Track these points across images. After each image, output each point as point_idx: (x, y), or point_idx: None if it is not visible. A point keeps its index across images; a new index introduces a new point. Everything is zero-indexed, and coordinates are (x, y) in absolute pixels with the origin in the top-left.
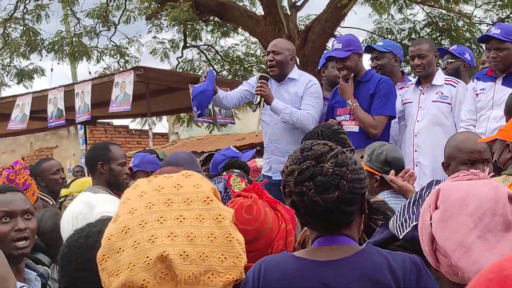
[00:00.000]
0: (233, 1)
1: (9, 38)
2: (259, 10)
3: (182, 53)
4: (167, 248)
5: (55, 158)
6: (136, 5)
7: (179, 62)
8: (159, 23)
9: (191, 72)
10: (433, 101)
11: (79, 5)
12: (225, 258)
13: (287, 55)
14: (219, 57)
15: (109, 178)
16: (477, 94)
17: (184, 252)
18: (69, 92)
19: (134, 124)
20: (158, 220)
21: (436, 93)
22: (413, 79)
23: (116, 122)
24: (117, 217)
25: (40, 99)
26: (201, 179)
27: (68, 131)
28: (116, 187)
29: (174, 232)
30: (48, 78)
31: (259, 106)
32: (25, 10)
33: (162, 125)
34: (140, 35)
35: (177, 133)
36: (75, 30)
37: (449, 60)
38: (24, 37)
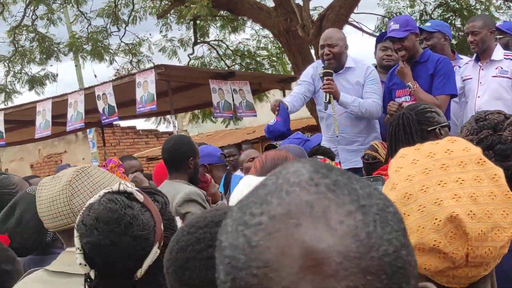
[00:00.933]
0: None
1: (19, 46)
2: (269, 3)
3: (193, 49)
4: (455, 209)
5: (65, 163)
6: (142, 5)
7: (190, 59)
8: (168, 21)
9: (210, 67)
10: (493, 76)
11: (87, 5)
12: (507, 214)
13: (342, 45)
14: (230, 52)
15: (192, 173)
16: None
17: (470, 211)
18: (89, 95)
19: (148, 123)
20: (438, 184)
21: (496, 68)
22: (465, 57)
23: (123, 123)
24: (394, 185)
25: (59, 104)
26: (467, 143)
27: (76, 135)
28: (194, 181)
29: (458, 194)
30: (54, 85)
31: (330, 103)
32: (34, 17)
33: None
34: (150, 34)
35: (186, 130)
36: (87, 31)
37: (497, 36)
38: (35, 44)
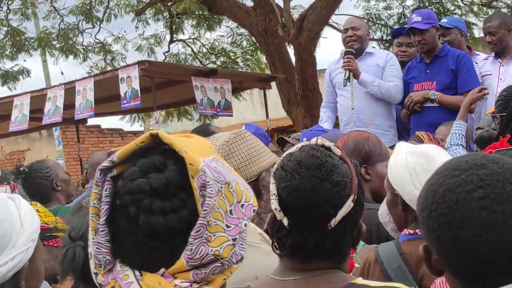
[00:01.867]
0: None
1: None
2: (247, 3)
3: (169, 47)
4: None
5: (27, 161)
6: (117, 2)
7: (165, 57)
8: (144, 18)
9: (193, 64)
10: None
11: (61, 1)
12: None
13: (364, 30)
14: (204, 50)
15: None
16: None
17: None
18: (70, 90)
19: (113, 122)
20: None
21: None
22: (482, 54)
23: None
24: None
25: (38, 99)
26: None
27: (40, 133)
28: None
29: None
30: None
31: (349, 81)
32: (8, 11)
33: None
34: (125, 32)
35: (153, 130)
36: (59, 27)
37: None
38: (8, 38)
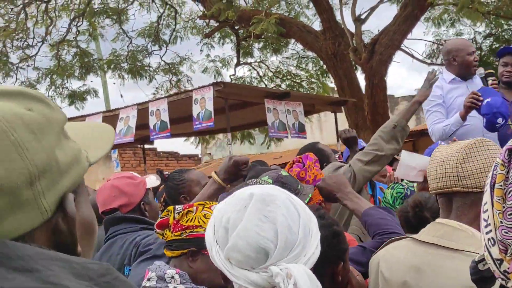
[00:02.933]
0: (291, 17)
1: (62, 61)
2: (316, 26)
3: (235, 70)
4: None
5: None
6: (183, 25)
7: (231, 80)
8: (210, 41)
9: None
10: None
11: (129, 24)
12: None
13: None
14: (270, 73)
15: None
16: None
17: None
18: (143, 111)
19: (170, 145)
20: None
21: None
22: None
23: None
24: None
25: (110, 119)
26: None
27: None
28: None
29: None
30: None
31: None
32: (77, 32)
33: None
34: (191, 54)
35: (209, 153)
36: (127, 49)
37: None
38: (76, 59)
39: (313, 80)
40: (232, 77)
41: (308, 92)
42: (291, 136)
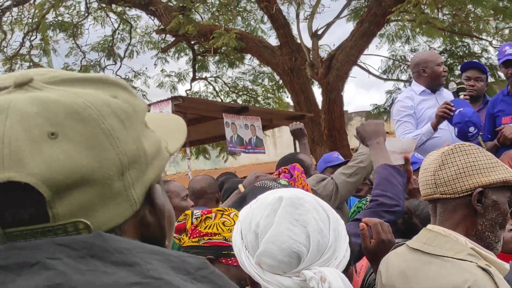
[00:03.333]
0: (248, 32)
1: None
2: (272, 41)
3: (190, 85)
4: None
5: None
6: (139, 39)
7: (187, 95)
8: (166, 55)
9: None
10: None
11: (83, 39)
12: None
13: None
14: (226, 88)
15: None
16: None
17: None
18: None
19: None
20: None
21: None
22: None
23: None
24: None
25: None
26: None
27: None
28: None
29: None
30: None
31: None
32: (30, 46)
33: None
34: (146, 68)
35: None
36: (81, 64)
37: None
38: None
39: (269, 95)
40: (188, 92)
41: (264, 107)
42: (248, 152)
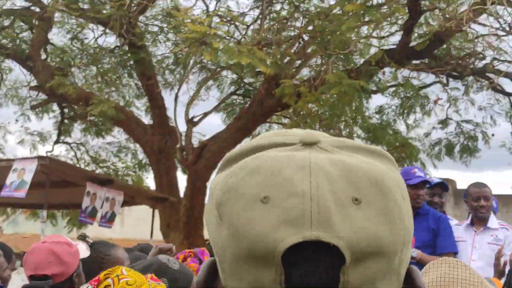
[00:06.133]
0: (123, 106)
1: None
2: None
3: (52, 147)
4: None
5: None
6: (6, 93)
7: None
8: (28, 113)
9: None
10: (488, 242)
11: None
12: None
13: None
14: (88, 157)
15: None
16: None
17: None
18: None
19: None
20: None
21: (491, 236)
22: (454, 219)
23: None
24: None
25: None
26: None
27: None
28: None
29: None
30: None
31: None
32: None
33: None
34: (9, 123)
35: (0, 227)
36: None
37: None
38: None
39: (129, 172)
40: (48, 153)
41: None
42: (98, 225)
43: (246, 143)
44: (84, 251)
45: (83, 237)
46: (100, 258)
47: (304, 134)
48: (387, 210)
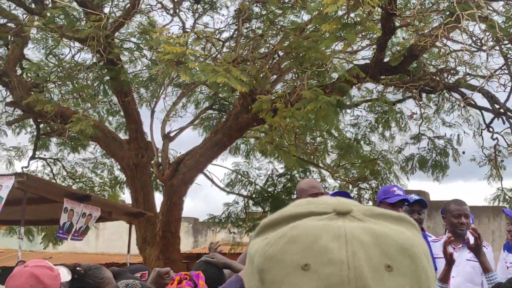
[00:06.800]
0: (98, 121)
1: None
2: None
3: (28, 163)
4: None
5: None
6: None
7: (22, 172)
8: (5, 128)
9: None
10: (467, 259)
11: None
12: None
13: None
14: (64, 173)
15: None
16: (507, 267)
17: None
18: None
19: None
20: None
21: (469, 253)
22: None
23: None
24: None
25: None
26: None
27: None
28: None
29: None
30: None
31: None
32: None
33: None
34: None
35: None
36: None
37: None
38: None
39: (106, 187)
40: (24, 169)
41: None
42: (70, 239)
43: (281, 211)
44: (65, 275)
45: (75, 267)
46: (97, 283)
47: (337, 203)
48: (417, 276)
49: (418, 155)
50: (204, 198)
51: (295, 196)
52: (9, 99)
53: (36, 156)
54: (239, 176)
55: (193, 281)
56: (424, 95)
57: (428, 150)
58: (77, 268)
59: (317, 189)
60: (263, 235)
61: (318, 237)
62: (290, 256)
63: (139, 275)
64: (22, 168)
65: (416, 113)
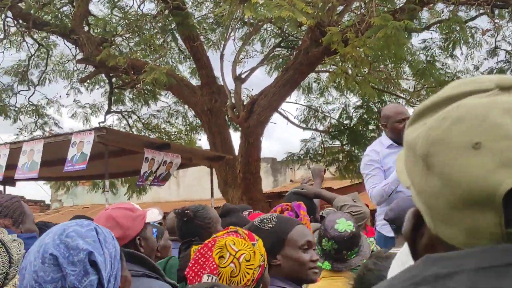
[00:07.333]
0: (170, 69)
1: None
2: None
3: (105, 118)
4: None
5: None
6: (54, 68)
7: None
8: (78, 86)
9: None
10: None
11: None
12: None
13: None
14: (140, 125)
15: None
16: None
17: None
18: (16, 150)
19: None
20: None
21: None
22: None
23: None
24: None
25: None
26: None
27: None
28: None
29: None
30: None
31: None
32: None
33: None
34: (60, 97)
35: (60, 200)
36: None
37: None
38: None
39: (182, 135)
40: (101, 124)
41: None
42: (150, 184)
43: (436, 94)
44: (155, 215)
45: (184, 211)
46: (206, 224)
47: (498, 79)
48: None
49: (497, 69)
50: (278, 138)
51: (381, 123)
52: (79, 57)
53: (112, 110)
54: (313, 112)
55: (294, 211)
56: (496, 11)
57: (506, 62)
58: (186, 212)
59: (403, 114)
60: (420, 121)
61: (487, 114)
62: (457, 136)
63: (247, 213)
64: (99, 123)
65: (490, 29)
